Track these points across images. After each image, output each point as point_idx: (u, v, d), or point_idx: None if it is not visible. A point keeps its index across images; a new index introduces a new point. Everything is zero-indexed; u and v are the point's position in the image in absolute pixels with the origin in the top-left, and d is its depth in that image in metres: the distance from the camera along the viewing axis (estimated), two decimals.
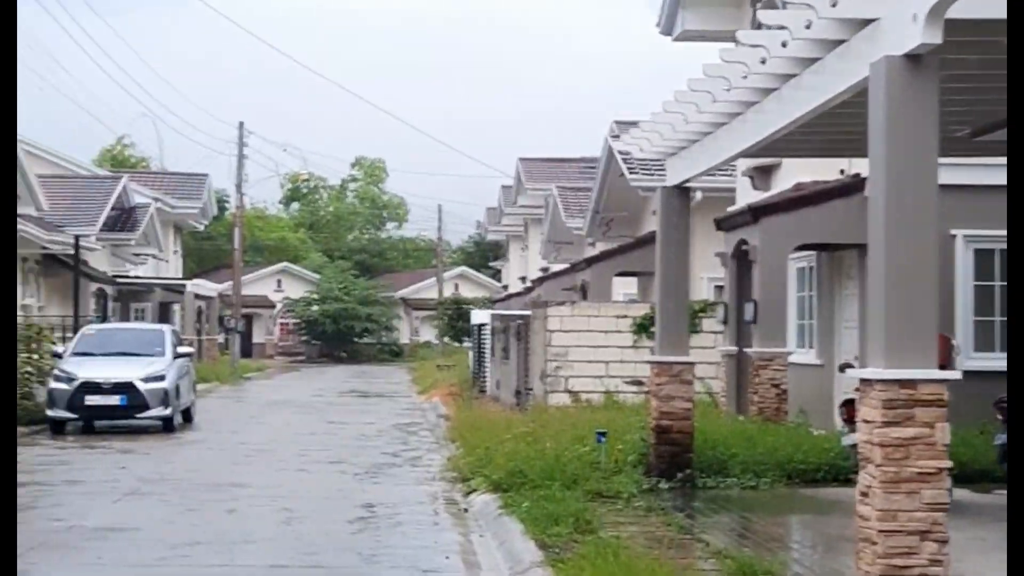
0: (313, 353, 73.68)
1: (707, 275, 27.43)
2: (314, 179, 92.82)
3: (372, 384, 43.30)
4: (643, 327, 24.05)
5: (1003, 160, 16.21)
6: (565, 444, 14.82)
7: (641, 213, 32.13)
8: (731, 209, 21.36)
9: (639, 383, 23.96)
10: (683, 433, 13.85)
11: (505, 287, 65.35)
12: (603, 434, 14.16)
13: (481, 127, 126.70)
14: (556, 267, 42.47)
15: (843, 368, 12.60)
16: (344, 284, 73.71)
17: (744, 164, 21.40)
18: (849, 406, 11.72)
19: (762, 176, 20.96)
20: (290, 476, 15.88)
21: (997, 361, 15.68)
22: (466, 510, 12.97)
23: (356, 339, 73.70)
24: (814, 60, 9.28)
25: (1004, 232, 16.10)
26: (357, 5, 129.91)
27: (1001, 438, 11.97)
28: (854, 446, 11.64)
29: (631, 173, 27.23)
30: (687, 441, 13.86)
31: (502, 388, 29.28)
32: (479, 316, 37.78)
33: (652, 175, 27.36)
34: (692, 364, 14.14)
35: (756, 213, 18.07)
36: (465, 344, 67.03)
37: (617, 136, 29.66)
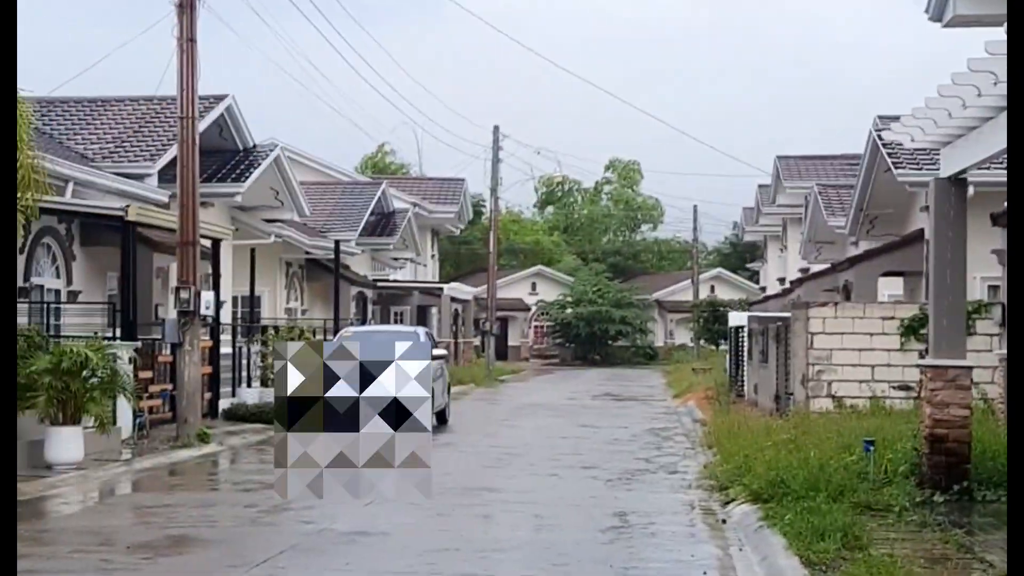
0: (567, 356, 73.80)
1: (980, 274, 25.88)
2: (568, 182, 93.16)
3: (626, 387, 42.87)
4: (912, 329, 22.85)
5: None
6: (829, 453, 14.02)
7: (908, 210, 30.65)
8: None
9: (907, 388, 22.79)
10: (960, 442, 12.86)
11: (763, 289, 63.95)
12: (871, 443, 13.30)
13: (737, 124, 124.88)
14: (816, 267, 41.13)
15: None
16: (598, 287, 73.50)
17: None
18: None
19: None
20: (541, 481, 15.55)
21: None
22: (724, 521, 12.34)
23: (610, 342, 73.36)
24: None
25: None
26: (609, 4, 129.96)
27: None
28: None
29: (897, 168, 25.90)
30: (964, 451, 12.86)
31: (760, 392, 28.41)
32: (736, 318, 36.84)
33: (920, 169, 26.03)
34: (970, 368, 13.12)
35: None
36: (721, 347, 66.00)
37: (883, 129, 28.38)
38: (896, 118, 31.76)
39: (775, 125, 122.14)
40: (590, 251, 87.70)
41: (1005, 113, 11.12)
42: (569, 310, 72.84)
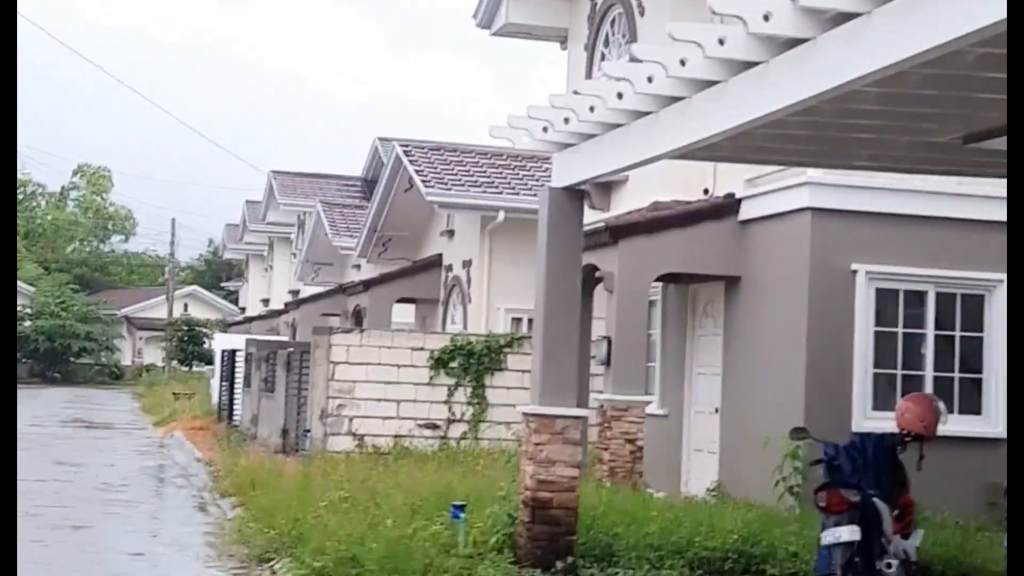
0: (23, 373, 66.93)
1: (504, 306, 24.49)
2: (31, 184, 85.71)
3: (97, 412, 38.45)
4: (442, 361, 20.90)
5: (912, 187, 13.80)
6: (399, 514, 11.45)
7: (423, 233, 28.93)
8: None
9: (434, 426, 20.81)
10: (566, 509, 10.66)
11: (243, 309, 60.95)
12: (461, 508, 10.81)
13: (227, 136, 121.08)
14: (311, 290, 38.75)
15: (799, 436, 9.72)
16: (62, 299, 67.56)
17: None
18: (829, 492, 8.73)
19: (601, 193, 18.09)
20: (24, 554, 11.81)
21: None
22: None
23: (73, 359, 67.61)
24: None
25: (909, 270, 13.57)
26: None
27: (835, 534, 8.71)
28: (843, 545, 8.72)
29: (427, 187, 23.96)
30: (570, 519, 10.67)
31: (263, 424, 25.47)
32: (229, 341, 33.74)
33: (449, 190, 24.29)
34: (581, 419, 10.96)
35: (616, 233, 15.09)
36: (197, 369, 62.29)
37: (408, 148, 26.44)
38: (391, 140, 29.50)
39: (272, 142, 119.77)
40: (54, 260, 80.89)
41: (646, 120, 9.09)
42: (27, 323, 66.25)
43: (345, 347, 20.61)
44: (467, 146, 27.01)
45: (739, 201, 15.21)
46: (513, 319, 24.66)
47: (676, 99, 8.55)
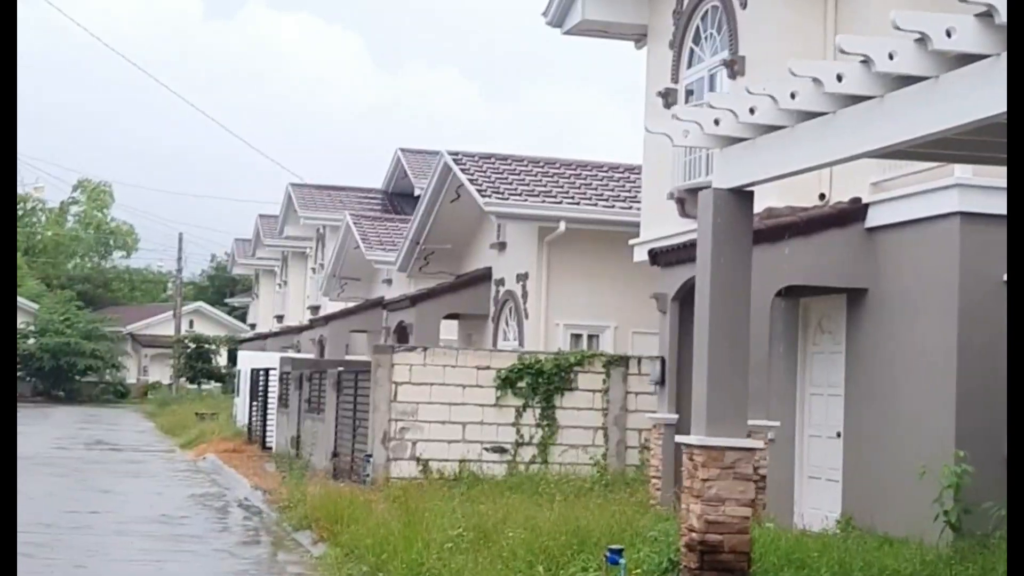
0: (27, 392, 65.51)
1: (563, 321, 23.21)
2: (32, 199, 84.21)
3: (115, 433, 37.03)
4: (509, 381, 19.64)
5: None
6: (527, 555, 10.16)
7: (468, 246, 27.66)
8: (662, 239, 17.09)
9: (502, 450, 19.54)
10: (738, 553, 9.40)
11: (252, 326, 59.59)
12: (619, 552, 9.51)
13: (238, 153, 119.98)
14: (336, 305, 37.42)
15: None
16: (66, 316, 66.11)
17: (670, 185, 17.28)
18: None
19: (695, 200, 16.75)
20: None
21: None
22: None
23: (78, 377, 66.15)
24: None
25: None
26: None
27: None
28: None
29: (484, 197, 22.69)
30: (743, 564, 9.41)
31: (306, 447, 24.15)
32: (260, 360, 32.41)
33: (506, 199, 23.02)
34: (752, 451, 9.66)
35: None
36: (205, 387, 60.93)
37: (458, 157, 25.12)
38: (422, 152, 28.30)
39: (271, 155, 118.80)
40: (55, 276, 79.44)
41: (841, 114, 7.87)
42: (32, 340, 64.79)
43: (408, 366, 19.35)
44: (516, 156, 25.85)
45: (866, 206, 13.95)
46: (572, 335, 23.41)
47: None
